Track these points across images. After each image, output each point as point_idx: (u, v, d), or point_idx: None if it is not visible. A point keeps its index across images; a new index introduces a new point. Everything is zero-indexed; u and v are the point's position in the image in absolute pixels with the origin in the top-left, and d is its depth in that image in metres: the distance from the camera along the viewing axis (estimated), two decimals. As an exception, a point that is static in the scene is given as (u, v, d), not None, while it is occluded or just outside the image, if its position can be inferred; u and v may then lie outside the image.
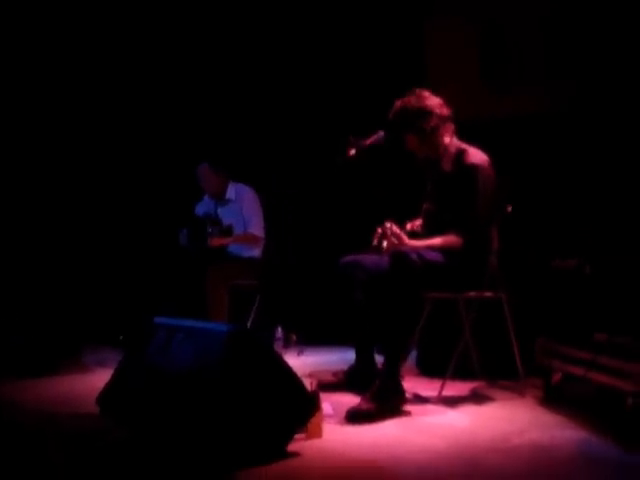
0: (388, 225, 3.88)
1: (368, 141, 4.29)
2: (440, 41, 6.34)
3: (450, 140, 4.16)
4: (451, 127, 4.17)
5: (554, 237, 4.94)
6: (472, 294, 4.08)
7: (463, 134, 4.23)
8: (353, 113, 6.25)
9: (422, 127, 4.08)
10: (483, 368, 4.40)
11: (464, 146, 4.15)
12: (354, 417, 3.62)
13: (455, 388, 4.23)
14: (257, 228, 5.87)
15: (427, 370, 4.85)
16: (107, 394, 3.51)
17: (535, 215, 5.11)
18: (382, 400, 3.70)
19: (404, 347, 3.94)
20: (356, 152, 4.28)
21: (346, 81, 6.62)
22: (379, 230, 3.91)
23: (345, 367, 4.46)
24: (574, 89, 5.61)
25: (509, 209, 4.13)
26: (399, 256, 3.81)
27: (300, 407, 3.19)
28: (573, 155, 5.39)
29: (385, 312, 3.89)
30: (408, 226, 4.43)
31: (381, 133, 4.26)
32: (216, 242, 5.76)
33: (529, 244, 4.84)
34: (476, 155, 4.08)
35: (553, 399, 3.96)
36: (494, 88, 6.05)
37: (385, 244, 3.86)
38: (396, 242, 3.85)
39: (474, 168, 4.01)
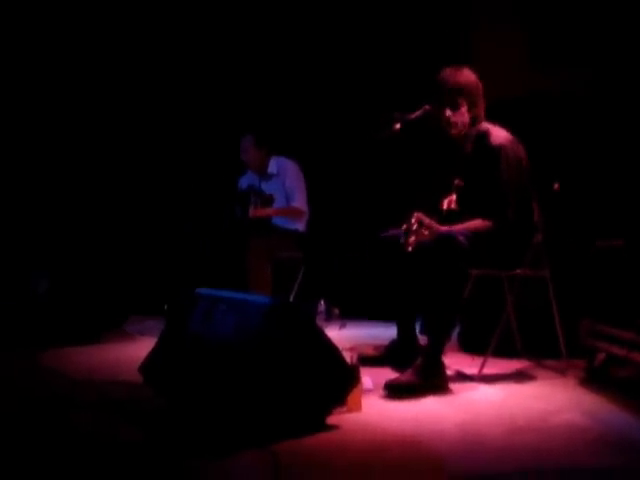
0: (414, 220, 3.85)
1: (413, 115, 4.25)
2: (486, 17, 6.26)
3: (479, 119, 4.11)
4: (482, 106, 4.12)
5: (600, 216, 4.87)
6: (516, 272, 4.04)
7: (507, 112, 4.17)
8: (399, 90, 6.19)
9: (454, 102, 4.04)
10: (525, 347, 4.37)
11: (489, 126, 4.08)
12: (393, 389, 3.62)
13: (496, 366, 4.21)
14: (300, 201, 5.87)
15: (469, 347, 4.83)
16: (149, 363, 3.55)
17: (582, 193, 5.04)
18: (424, 375, 3.70)
19: (449, 325, 3.92)
20: (401, 126, 4.25)
21: (392, 57, 6.55)
22: (405, 226, 3.87)
23: (387, 342, 4.46)
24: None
25: (556, 187, 4.08)
26: (444, 237, 3.79)
27: (340, 380, 3.20)
28: (622, 134, 5.30)
29: (428, 289, 3.88)
30: (445, 204, 4.37)
31: (427, 107, 4.22)
32: (258, 213, 5.78)
33: (575, 223, 4.78)
34: (499, 136, 4.01)
35: (595, 380, 3.91)
36: (541, 66, 5.95)
37: (412, 239, 3.81)
38: (427, 234, 3.82)
39: (497, 150, 3.95)
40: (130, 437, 2.97)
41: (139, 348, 4.00)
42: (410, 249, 3.82)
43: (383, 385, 3.65)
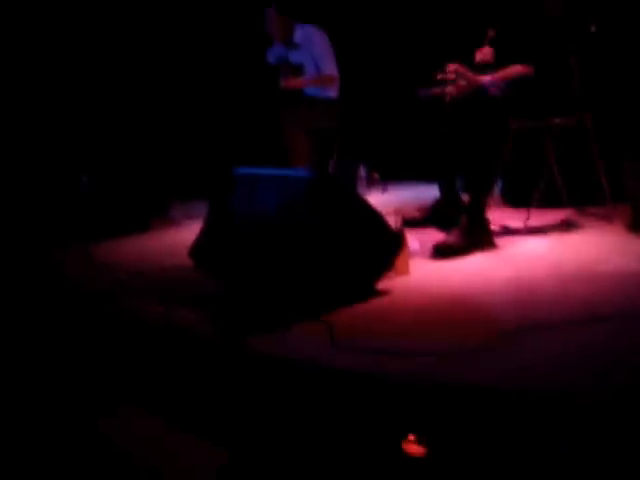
0: (452, 68, 3.76)
1: None
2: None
3: None
4: None
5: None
6: (556, 121, 3.96)
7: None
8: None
9: None
10: (569, 196, 4.33)
11: None
12: (441, 252, 3.65)
13: (541, 217, 4.20)
14: (330, 68, 5.75)
15: (512, 200, 4.82)
16: (198, 247, 3.60)
17: (619, 35, 4.85)
18: (470, 234, 3.71)
19: (490, 180, 3.90)
20: None
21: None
22: (441, 76, 3.78)
23: (430, 202, 4.46)
24: None
25: (593, 29, 3.94)
26: (478, 90, 3.72)
27: (386, 246, 3.23)
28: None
29: (468, 144, 3.84)
30: (478, 56, 4.25)
31: None
32: (290, 84, 5.69)
33: (614, 64, 4.63)
34: None
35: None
36: None
37: (449, 89, 3.74)
38: (464, 84, 3.74)
39: None
40: (186, 320, 3.04)
41: (187, 233, 4.06)
42: (448, 99, 3.78)
43: (431, 248, 3.68)
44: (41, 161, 5.94)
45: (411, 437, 2.00)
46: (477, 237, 3.74)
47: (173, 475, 2.11)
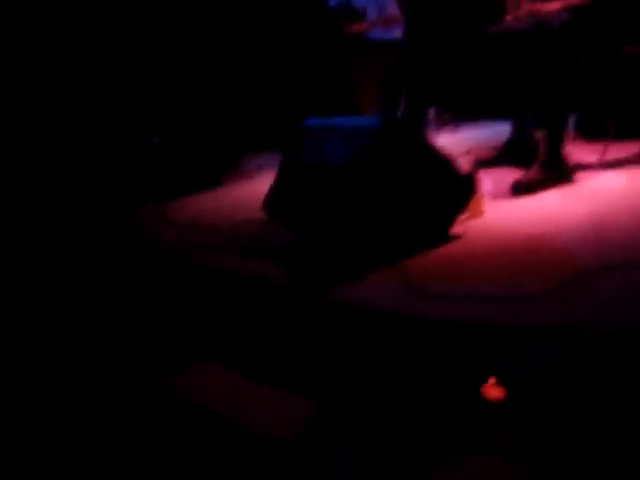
0: None
1: None
2: None
3: None
4: None
5: None
6: (626, 49, 3.82)
7: None
8: None
9: None
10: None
11: None
12: (521, 188, 3.59)
13: (618, 151, 4.08)
14: (392, 7, 5.65)
15: (588, 133, 4.68)
16: (271, 199, 3.61)
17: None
18: (547, 169, 3.65)
19: (565, 113, 3.81)
20: None
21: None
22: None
23: (502, 141, 4.39)
24: None
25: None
26: (540, 23, 3.62)
27: (459, 189, 3.20)
28: None
29: (540, 81, 3.75)
30: None
31: None
32: (354, 29, 5.62)
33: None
34: None
35: None
36: None
37: (509, 18, 3.64)
38: (524, 13, 3.63)
39: None
40: (263, 272, 3.08)
41: (259, 185, 4.07)
42: (504, 26, 3.70)
43: (510, 185, 3.62)
44: (112, 123, 6.03)
45: (491, 381, 2.00)
46: (555, 172, 3.67)
47: (259, 427, 2.15)
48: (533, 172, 3.66)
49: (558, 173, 3.69)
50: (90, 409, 2.33)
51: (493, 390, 2.00)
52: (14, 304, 3.36)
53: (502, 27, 3.93)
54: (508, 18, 3.75)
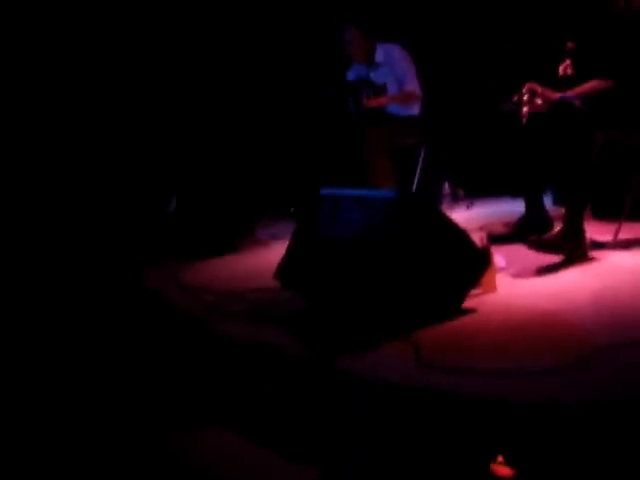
0: (525, 90, 3.72)
1: None
2: None
3: None
4: None
5: None
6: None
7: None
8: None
9: None
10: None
11: None
12: (536, 244, 3.60)
13: (631, 231, 4.09)
14: (412, 84, 5.74)
15: (600, 213, 4.70)
16: (284, 267, 3.64)
17: None
18: (566, 241, 3.65)
19: (585, 191, 3.83)
20: None
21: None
22: (516, 98, 3.75)
23: (516, 218, 4.41)
24: None
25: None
26: (560, 104, 3.68)
27: (472, 264, 3.21)
28: None
29: (555, 159, 3.79)
30: (561, 70, 4.20)
31: None
32: (373, 103, 5.70)
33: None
34: None
35: None
36: None
37: (525, 110, 3.70)
38: (540, 103, 3.69)
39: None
40: (274, 340, 3.08)
41: (273, 253, 4.10)
42: (524, 120, 3.74)
43: (527, 241, 3.63)
44: (131, 181, 6.11)
45: (500, 458, 1.98)
46: (572, 246, 3.67)
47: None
48: (552, 236, 3.67)
49: (575, 249, 3.69)
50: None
51: (502, 468, 1.98)
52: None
53: (514, 107, 3.99)
54: (524, 111, 3.80)
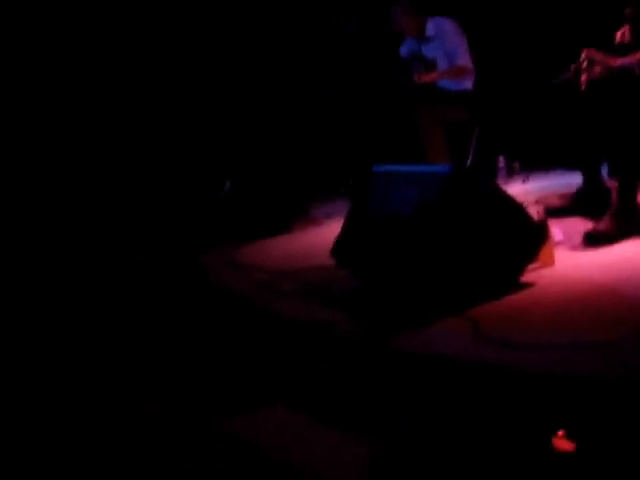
0: (583, 58, 3.64)
1: None
2: None
3: None
4: None
5: None
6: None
7: None
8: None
9: None
10: None
11: None
12: (593, 239, 3.54)
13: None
14: (463, 58, 5.67)
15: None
16: (339, 246, 3.63)
17: None
18: (620, 220, 3.59)
19: (638, 164, 3.75)
20: None
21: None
22: (574, 66, 3.67)
23: (573, 190, 4.33)
24: None
25: None
26: (620, 71, 3.59)
27: (529, 237, 3.17)
28: None
29: (612, 129, 3.71)
30: (618, 37, 4.09)
31: None
32: (424, 79, 5.65)
33: None
34: None
35: None
36: None
37: (583, 78, 3.62)
38: (598, 70, 3.61)
39: None
40: (329, 318, 3.09)
41: (327, 232, 4.10)
42: (583, 88, 3.66)
43: (582, 236, 3.58)
44: (186, 165, 6.15)
45: (561, 432, 1.96)
46: (627, 223, 3.60)
47: (323, 472, 2.14)
48: (605, 223, 3.60)
49: (631, 224, 3.62)
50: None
51: (563, 442, 1.95)
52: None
53: (573, 76, 3.91)
54: (582, 79, 3.73)
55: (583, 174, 4.24)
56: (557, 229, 3.59)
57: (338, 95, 6.88)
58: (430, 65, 5.65)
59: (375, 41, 6.66)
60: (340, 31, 6.89)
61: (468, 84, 5.73)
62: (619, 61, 3.69)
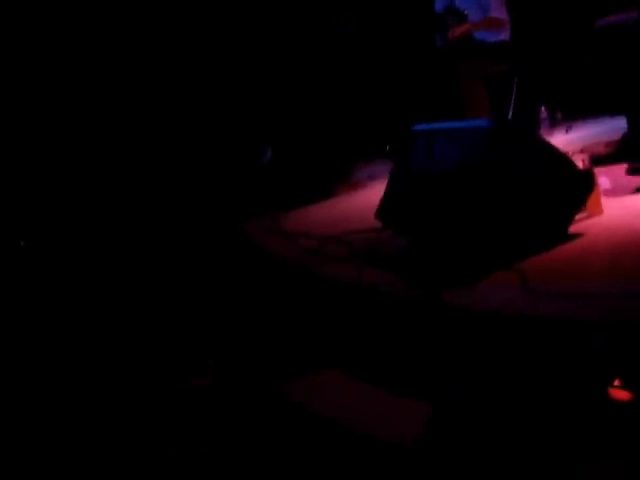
0: None
1: None
2: None
3: None
4: None
5: None
6: None
7: None
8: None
9: None
10: None
11: None
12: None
13: None
14: (497, 10, 5.57)
15: None
16: (384, 206, 3.63)
17: None
18: None
19: None
20: None
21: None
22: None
23: (618, 136, 4.27)
24: None
25: None
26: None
27: (576, 187, 3.13)
28: None
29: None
30: None
31: None
32: (456, 32, 5.57)
33: None
34: None
35: None
36: None
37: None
38: None
39: None
40: (378, 279, 3.08)
41: (372, 193, 4.09)
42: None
43: (626, 168, 3.52)
44: (226, 133, 6.17)
45: (617, 382, 1.95)
46: None
47: (380, 432, 2.16)
48: None
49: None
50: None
51: (620, 392, 1.95)
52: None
53: (612, 20, 3.84)
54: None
55: (628, 120, 4.17)
56: (604, 177, 3.54)
57: (376, 57, 6.82)
58: (462, 17, 5.56)
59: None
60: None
61: (504, 35, 5.63)
62: None
